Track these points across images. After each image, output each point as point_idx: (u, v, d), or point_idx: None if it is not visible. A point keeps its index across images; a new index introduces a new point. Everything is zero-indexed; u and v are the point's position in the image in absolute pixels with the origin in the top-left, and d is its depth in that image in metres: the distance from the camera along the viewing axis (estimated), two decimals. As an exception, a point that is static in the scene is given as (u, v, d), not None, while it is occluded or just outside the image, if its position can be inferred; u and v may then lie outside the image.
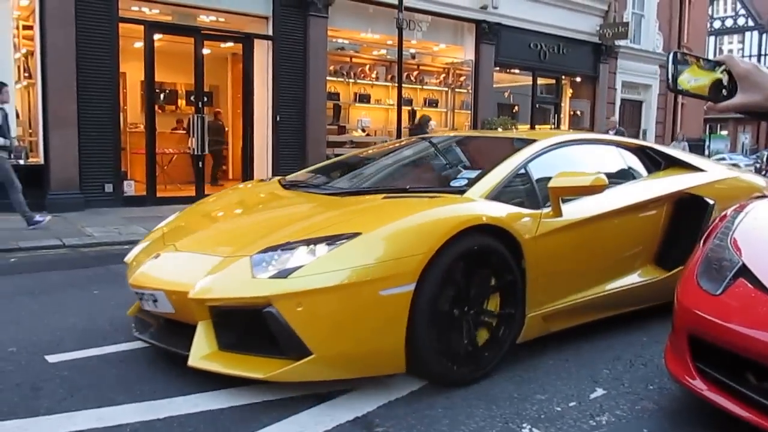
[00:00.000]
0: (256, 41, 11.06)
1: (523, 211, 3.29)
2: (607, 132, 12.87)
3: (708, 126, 33.60)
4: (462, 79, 14.54)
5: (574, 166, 3.73)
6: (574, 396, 2.88)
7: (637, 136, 17.86)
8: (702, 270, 2.66)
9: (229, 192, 4.63)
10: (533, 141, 3.90)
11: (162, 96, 12.08)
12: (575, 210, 3.50)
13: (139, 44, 10.22)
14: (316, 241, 2.78)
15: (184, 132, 11.29)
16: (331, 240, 2.77)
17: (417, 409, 2.71)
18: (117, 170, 9.77)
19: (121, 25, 9.62)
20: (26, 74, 10.46)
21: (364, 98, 13.30)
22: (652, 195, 4.04)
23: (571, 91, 17.07)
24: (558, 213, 3.36)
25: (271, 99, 11.11)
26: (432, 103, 14.37)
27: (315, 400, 2.71)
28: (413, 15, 12.29)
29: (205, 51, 10.84)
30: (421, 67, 14.32)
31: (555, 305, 3.40)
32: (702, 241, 2.94)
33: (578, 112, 17.32)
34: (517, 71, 15.66)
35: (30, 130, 10.39)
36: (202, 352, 2.75)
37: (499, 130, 13.86)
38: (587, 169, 3.55)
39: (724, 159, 23.42)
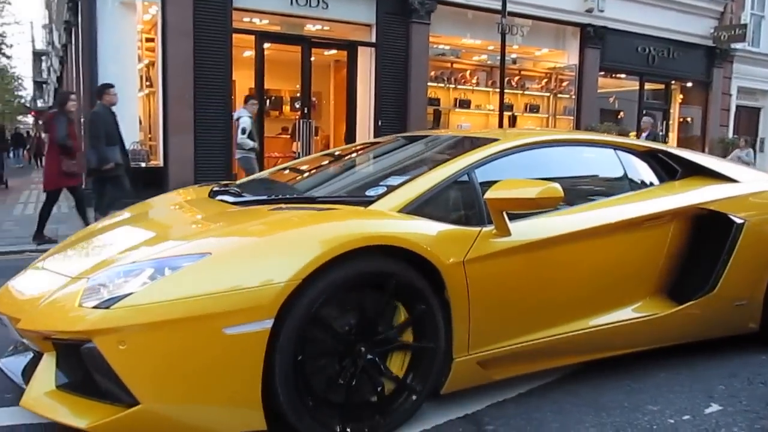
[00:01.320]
0: (360, 48, 11.35)
1: (452, 228, 2.66)
2: (639, 135, 11.50)
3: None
4: (564, 84, 14.27)
5: (545, 173, 3.10)
6: (687, 409, 2.81)
7: (753, 146, 16.86)
8: None
9: (157, 198, 3.98)
10: (492, 141, 3.20)
11: (268, 102, 12.60)
12: (536, 228, 2.85)
13: (249, 53, 10.74)
14: (163, 262, 2.27)
15: (289, 137, 11.74)
16: (176, 262, 2.26)
17: (526, 410, 2.73)
18: (228, 172, 10.29)
19: (233, 35, 10.14)
20: (148, 83, 11.23)
21: (465, 103, 13.33)
22: (652, 210, 3.22)
23: (681, 96, 16.32)
24: (504, 231, 2.70)
25: (373, 104, 11.36)
26: (533, 109, 14.19)
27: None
28: (514, 19, 12.20)
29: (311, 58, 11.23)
30: (522, 72, 14.19)
31: (497, 348, 2.73)
32: None
33: (688, 119, 16.54)
34: (623, 76, 15.17)
35: (150, 135, 11.14)
36: (42, 389, 2.27)
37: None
38: (563, 178, 3.00)
39: None
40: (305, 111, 11.00)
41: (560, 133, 4.14)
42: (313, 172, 3.94)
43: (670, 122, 16.05)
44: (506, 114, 13.38)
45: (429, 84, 12.10)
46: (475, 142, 3.30)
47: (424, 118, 11.92)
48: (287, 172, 4.15)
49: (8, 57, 32.44)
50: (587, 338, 2.99)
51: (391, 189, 2.80)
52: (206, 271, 2.21)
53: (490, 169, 3.00)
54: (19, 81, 46.88)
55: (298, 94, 11.77)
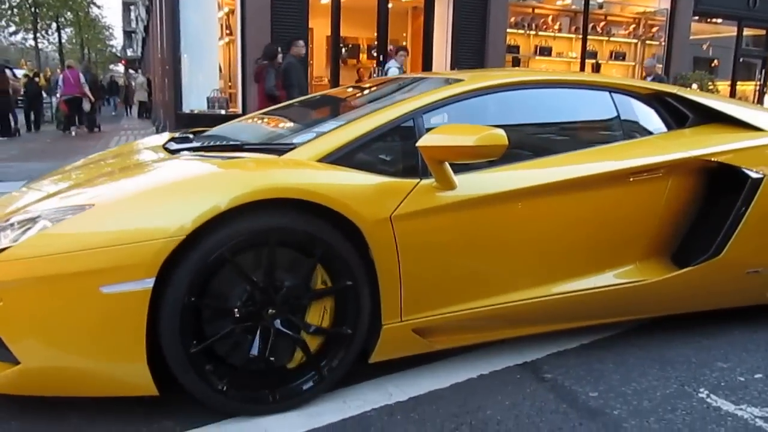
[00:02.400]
0: (438, -6, 11.10)
1: (381, 181, 2.36)
2: (644, 79, 10.31)
3: None
4: (654, 29, 13.53)
5: (516, 119, 2.91)
6: (761, 368, 2.70)
7: None
8: None
9: (125, 145, 3.76)
10: (454, 82, 2.87)
11: (344, 50, 12.59)
12: (493, 181, 2.54)
13: (326, 0, 10.69)
14: (48, 214, 2.12)
15: (365, 85, 11.71)
16: (59, 214, 2.11)
17: (587, 361, 2.71)
18: (304, 121, 10.42)
19: (311, -19, 10.12)
20: (227, 31, 11.43)
21: (545, 51, 12.89)
22: (641, 163, 2.81)
23: (783, 42, 15.16)
24: (446, 184, 2.41)
25: (450, 52, 11.16)
26: (619, 57, 13.57)
27: (484, 344, 2.78)
28: (603, -39, 11.57)
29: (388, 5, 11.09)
30: (608, 18, 13.50)
31: (438, 314, 2.48)
32: None
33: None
34: (719, 21, 14.19)
35: (230, 83, 11.39)
36: None
37: (694, 86, 12.77)
38: (538, 124, 2.87)
39: None
40: (381, 59, 10.91)
41: (543, 74, 3.54)
42: (273, 118, 3.59)
43: (770, 71, 14.97)
44: (589, 62, 12.89)
45: (508, 30, 11.74)
46: (434, 84, 3.01)
47: (502, 66, 11.61)
48: (256, 119, 3.79)
49: (99, 7, 33.67)
50: (554, 306, 2.69)
51: (317, 136, 2.56)
52: (85, 224, 2.05)
53: (447, 114, 2.74)
54: (110, 31, 48.65)
55: (375, 42, 11.68)
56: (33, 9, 20.55)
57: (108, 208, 2.11)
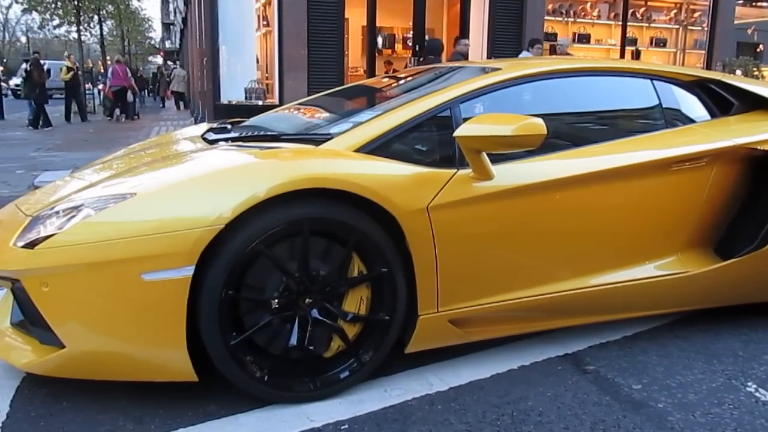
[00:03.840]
0: (474, -18, 10.97)
1: (418, 171, 2.34)
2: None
3: None
4: (696, 14, 13.14)
5: (554, 108, 2.88)
6: (811, 362, 2.63)
7: None
8: None
9: (163, 136, 3.80)
10: (491, 71, 2.83)
11: (381, 40, 12.55)
12: (533, 171, 2.51)
13: (362, -11, 10.66)
14: (91, 203, 2.18)
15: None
16: (102, 203, 2.15)
17: (630, 353, 2.67)
18: (340, 111, 10.45)
19: (346, -29, 10.10)
20: (265, 22, 11.47)
21: (584, 38, 12.63)
22: (683, 152, 2.76)
23: (834, 26, 14.63)
24: (483, 174, 2.38)
25: (487, 41, 11.03)
26: (659, 43, 13.22)
27: (524, 335, 2.76)
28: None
29: (424, -6, 11.00)
30: (648, 3, 13.18)
31: (475, 305, 2.45)
32: None
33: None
34: (765, 4, 13.74)
35: (267, 74, 11.46)
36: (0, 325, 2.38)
37: (738, 72, 12.41)
38: (576, 113, 2.87)
39: None
40: (417, 49, 10.85)
41: (582, 62, 3.48)
42: (310, 109, 3.55)
43: (820, 56, 14.46)
44: (629, 49, 12.62)
45: (546, 18, 11.55)
46: (471, 73, 2.95)
47: (541, 54, 11.43)
48: (292, 110, 3.76)
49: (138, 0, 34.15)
50: (593, 297, 2.66)
51: (354, 126, 2.54)
52: (127, 212, 2.09)
53: (484, 104, 2.69)
54: (149, 23, 49.37)
55: (410, 33, 11.62)
56: (76, 2, 20.97)
57: (149, 197, 2.15)
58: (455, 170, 2.40)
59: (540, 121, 2.27)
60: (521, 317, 2.60)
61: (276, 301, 2.17)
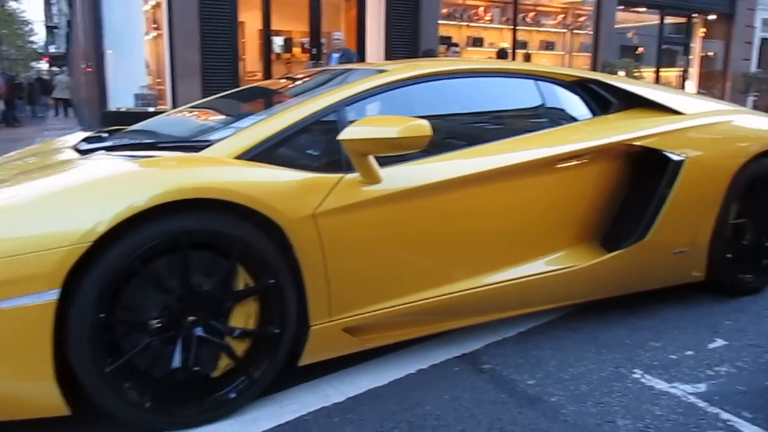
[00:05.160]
0: (370, -15, 11.04)
1: (303, 177, 2.25)
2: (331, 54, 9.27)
3: None
4: (582, 19, 13.84)
5: (441, 109, 2.90)
6: (691, 345, 2.77)
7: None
8: None
9: (42, 144, 3.54)
10: (376, 73, 2.79)
11: (278, 44, 12.37)
12: (420, 173, 2.47)
13: (257, -7, 10.48)
14: None
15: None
16: None
17: (524, 349, 2.71)
18: (237, 116, 10.21)
19: (239, -27, 9.89)
20: (154, 26, 11.04)
21: (478, 41, 13.00)
22: (566, 150, 2.81)
23: (703, 30, 15.77)
24: (371, 178, 2.32)
25: (384, 44, 11.12)
26: (549, 46, 13.81)
27: (422, 338, 2.75)
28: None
29: (319, -3, 10.95)
30: (537, 8, 13.73)
31: (369, 312, 2.39)
32: None
33: (710, 54, 16.02)
34: (643, 9, 14.64)
35: (158, 79, 11.02)
36: None
37: (621, 74, 13.14)
38: (464, 114, 2.90)
39: None
40: (314, 52, 10.78)
41: (468, 64, 3.44)
42: (196, 113, 3.37)
43: (691, 57, 15.55)
44: (521, 52, 13.09)
45: (441, 22, 11.78)
46: (361, 75, 2.88)
47: (436, 57, 11.65)
48: (176, 115, 3.61)
49: (17, 1, 32.08)
50: (487, 296, 2.65)
51: (236, 132, 2.43)
52: None
53: (371, 106, 2.68)
54: (30, 26, 46.51)
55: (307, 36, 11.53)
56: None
57: (5, 215, 1.93)
58: (342, 175, 2.33)
59: (425, 122, 2.24)
60: (418, 320, 2.57)
61: (155, 321, 2.01)
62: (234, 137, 2.38)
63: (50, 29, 52.48)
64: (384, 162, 2.38)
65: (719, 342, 2.81)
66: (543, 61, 13.55)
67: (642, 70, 13.75)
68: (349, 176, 2.33)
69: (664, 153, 2.98)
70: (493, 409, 2.22)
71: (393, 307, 2.44)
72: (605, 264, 2.88)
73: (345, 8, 12.78)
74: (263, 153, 2.32)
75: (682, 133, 3.09)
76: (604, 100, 3.24)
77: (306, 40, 11.51)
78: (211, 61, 9.79)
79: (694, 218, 3.08)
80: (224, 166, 2.21)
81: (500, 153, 2.71)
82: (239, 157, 2.28)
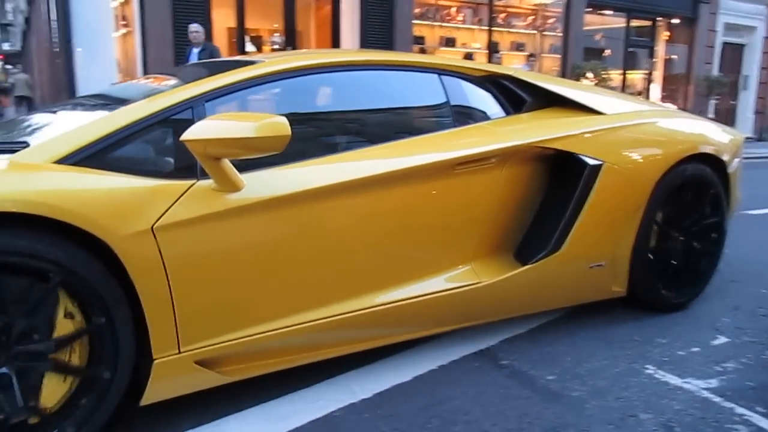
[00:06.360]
0: (344, -15, 11.02)
1: (142, 184, 1.92)
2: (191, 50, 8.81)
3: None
4: (551, 21, 14.03)
5: (323, 107, 2.63)
6: (696, 342, 2.84)
7: (735, 83, 16.88)
8: None
9: None
10: (248, 65, 2.44)
11: (249, 42, 12.24)
12: (293, 178, 2.16)
13: (230, -10, 10.35)
14: None
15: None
16: None
17: (539, 345, 2.75)
18: (211, 115, 10.07)
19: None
20: (123, 23, 10.81)
21: (450, 41, 13.07)
22: (470, 152, 2.53)
23: (667, 34, 16.16)
24: (228, 185, 1.99)
25: (358, 44, 11.10)
26: (519, 47, 13.97)
27: (437, 335, 2.75)
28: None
29: (293, -5, 10.88)
30: (508, 9, 13.88)
31: (228, 340, 2.06)
32: None
33: (674, 57, 16.43)
34: (609, 13, 14.93)
35: (128, 77, 10.80)
36: None
37: (589, 75, 13.39)
38: (351, 112, 2.61)
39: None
40: (288, 50, 10.70)
41: (362, 55, 2.92)
42: (45, 114, 2.82)
43: (655, 60, 15.93)
44: (482, 53, 13.22)
45: (415, 22, 11.82)
46: (228, 67, 2.47)
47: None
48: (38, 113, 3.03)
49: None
50: (375, 319, 2.34)
51: (62, 132, 2.07)
52: None
53: (236, 103, 2.35)
54: (-16, 23, 45.05)
55: (278, 34, 11.44)
56: None
57: None
58: (194, 181, 2.00)
59: (283, 119, 1.90)
60: (290, 348, 2.23)
61: None
62: (57, 138, 2.01)
63: (3, 26, 50.99)
64: (246, 166, 2.08)
65: (722, 339, 2.88)
66: (514, 62, 13.70)
67: (609, 72, 14.00)
68: (203, 183, 2.00)
69: (579, 157, 2.72)
70: (519, 404, 2.24)
71: (260, 333, 2.11)
72: (514, 280, 2.60)
73: (315, 6, 12.74)
74: (93, 156, 1.96)
75: (601, 136, 2.82)
76: (517, 98, 2.95)
77: (276, 38, 11.43)
78: (185, 58, 9.64)
79: (614, 229, 2.83)
80: (34, 172, 1.83)
81: (391, 156, 2.41)
82: (61, 162, 1.91)
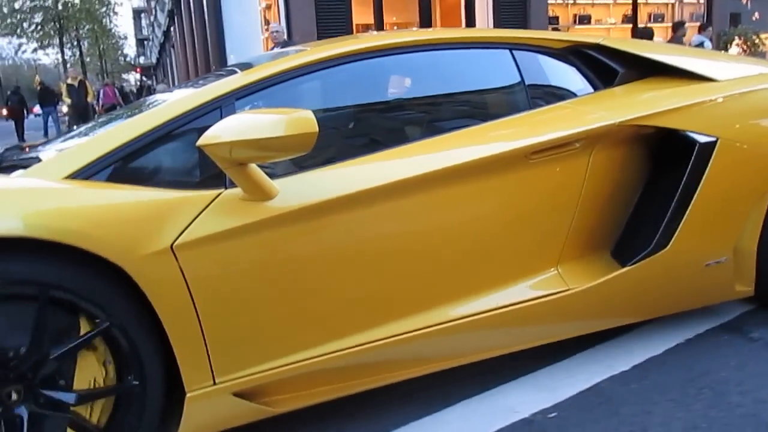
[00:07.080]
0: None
1: (154, 197, 1.71)
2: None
3: None
4: (691, -13, 13.29)
5: (378, 96, 2.33)
6: None
7: None
8: None
9: None
10: (284, 55, 2.23)
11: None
12: (335, 180, 1.89)
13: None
14: None
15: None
16: None
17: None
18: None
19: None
20: (266, 27, 11.40)
21: (584, 19, 12.74)
22: (548, 137, 2.15)
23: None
24: (257, 192, 1.75)
25: (493, 26, 11.05)
26: (657, 18, 13.34)
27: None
28: None
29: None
30: (645, -20, 13.31)
31: (270, 368, 1.83)
32: None
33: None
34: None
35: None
36: None
37: (737, 40, 12.54)
38: (402, 100, 2.32)
39: None
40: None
41: (415, 35, 2.48)
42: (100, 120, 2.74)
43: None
44: (627, 27, 12.72)
45: (549, 1, 11.61)
46: (270, 58, 2.25)
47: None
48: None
49: (116, 13, 33.75)
50: (446, 337, 2.04)
51: (78, 145, 1.92)
52: None
53: (275, 100, 2.05)
54: (124, 40, 48.93)
55: (415, 28, 11.60)
56: (58, 23, 20.75)
57: None
58: (220, 190, 1.77)
59: (309, 114, 1.65)
60: (351, 371, 1.96)
61: None
62: (71, 151, 1.87)
63: (140, 41, 55.06)
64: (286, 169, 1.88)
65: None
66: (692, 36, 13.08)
67: (762, 36, 13.04)
68: (231, 191, 1.78)
69: (687, 134, 2.28)
70: (789, 375, 2.19)
71: (303, 360, 1.86)
72: (610, 285, 2.22)
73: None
74: (115, 168, 1.80)
75: (712, 107, 2.37)
76: (607, 70, 2.54)
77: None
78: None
79: (734, 218, 2.37)
80: (39, 189, 1.68)
81: (452, 148, 2.10)
82: (73, 176, 1.73)
